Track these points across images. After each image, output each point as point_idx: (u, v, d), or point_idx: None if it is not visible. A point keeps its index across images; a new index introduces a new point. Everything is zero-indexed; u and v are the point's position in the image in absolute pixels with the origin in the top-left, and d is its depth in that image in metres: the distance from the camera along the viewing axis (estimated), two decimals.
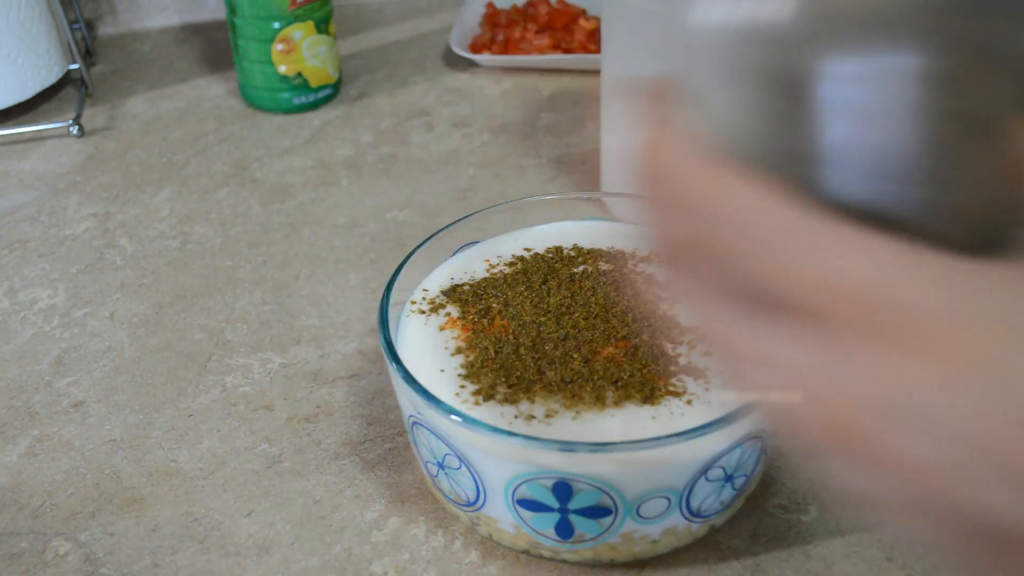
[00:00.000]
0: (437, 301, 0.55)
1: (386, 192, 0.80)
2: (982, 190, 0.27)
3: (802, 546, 0.50)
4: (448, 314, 0.54)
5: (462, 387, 0.49)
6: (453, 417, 0.44)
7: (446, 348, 0.51)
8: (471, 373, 0.49)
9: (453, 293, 0.55)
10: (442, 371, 0.50)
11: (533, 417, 0.47)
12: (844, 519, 0.51)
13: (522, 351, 0.50)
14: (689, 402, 0.47)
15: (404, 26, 1.09)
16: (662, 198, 0.27)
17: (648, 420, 0.46)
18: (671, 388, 0.48)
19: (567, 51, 0.97)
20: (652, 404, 0.47)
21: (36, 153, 0.88)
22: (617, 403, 0.47)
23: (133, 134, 0.90)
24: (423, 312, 0.54)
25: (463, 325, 0.53)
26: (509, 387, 0.48)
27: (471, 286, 0.56)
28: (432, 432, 0.47)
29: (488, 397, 0.48)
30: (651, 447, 0.43)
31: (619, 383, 0.48)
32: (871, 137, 0.26)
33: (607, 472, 0.43)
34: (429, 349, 0.52)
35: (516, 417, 0.47)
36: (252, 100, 0.93)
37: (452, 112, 0.92)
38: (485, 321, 0.53)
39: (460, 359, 0.51)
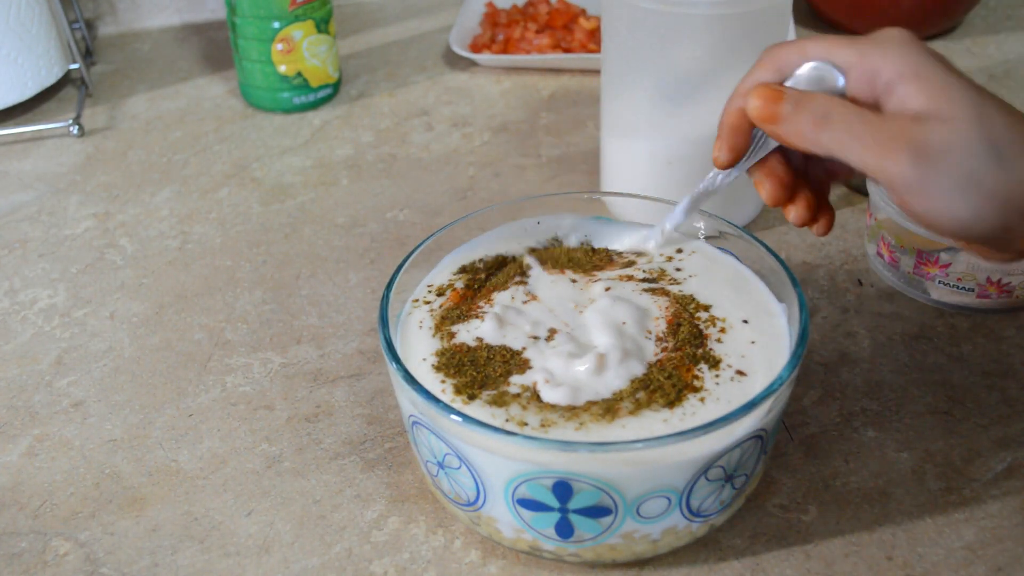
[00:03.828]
0: (449, 282, 0.56)
1: (386, 192, 0.80)
2: None
3: (802, 546, 0.50)
4: (454, 289, 0.55)
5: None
6: (453, 417, 0.44)
7: (446, 349, 0.51)
8: (464, 383, 0.49)
9: (464, 273, 0.56)
10: (443, 378, 0.50)
11: (525, 424, 0.46)
12: (844, 519, 0.51)
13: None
14: (702, 399, 0.47)
15: (404, 26, 1.09)
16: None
17: (660, 423, 0.46)
18: (695, 383, 0.48)
19: (567, 51, 0.97)
20: (671, 408, 0.47)
21: (36, 153, 0.88)
22: (633, 412, 0.47)
23: (133, 134, 0.90)
24: (428, 302, 0.54)
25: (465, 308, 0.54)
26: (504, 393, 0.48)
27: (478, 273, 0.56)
28: (432, 432, 0.47)
29: (472, 398, 0.48)
30: (651, 447, 0.43)
31: (651, 387, 0.48)
32: None
33: (607, 472, 0.43)
34: (429, 349, 0.52)
35: (507, 421, 0.46)
36: (252, 100, 0.93)
37: (452, 112, 0.92)
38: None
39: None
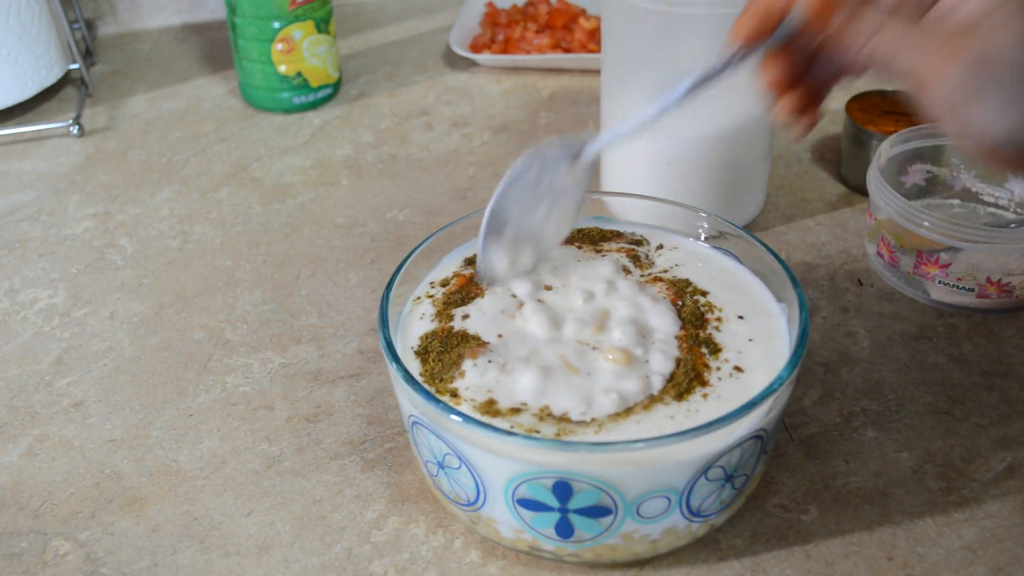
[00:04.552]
0: (453, 273, 0.56)
1: (386, 192, 0.80)
2: None
3: (802, 546, 0.50)
4: (459, 275, 0.55)
5: (466, 389, 0.49)
6: (453, 417, 0.44)
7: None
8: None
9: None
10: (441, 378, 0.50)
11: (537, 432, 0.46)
12: (844, 519, 0.51)
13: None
14: (705, 396, 0.47)
15: (404, 26, 1.09)
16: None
17: (667, 419, 0.46)
18: (704, 373, 0.48)
19: (567, 51, 0.97)
20: (679, 401, 0.47)
21: (36, 153, 0.88)
22: (647, 407, 0.47)
23: (133, 134, 0.90)
24: (431, 296, 0.54)
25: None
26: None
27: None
28: (432, 432, 0.47)
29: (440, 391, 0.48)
30: (651, 446, 0.43)
31: (673, 377, 0.48)
32: None
33: (607, 472, 0.43)
34: (419, 334, 0.52)
35: (528, 429, 0.47)
36: (252, 100, 0.93)
37: (452, 112, 0.92)
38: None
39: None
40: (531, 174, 0.52)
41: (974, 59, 0.40)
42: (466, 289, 0.54)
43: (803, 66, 0.47)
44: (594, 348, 0.49)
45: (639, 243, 0.58)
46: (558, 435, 0.45)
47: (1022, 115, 0.40)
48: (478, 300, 0.53)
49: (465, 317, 0.52)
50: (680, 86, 0.48)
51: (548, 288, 0.54)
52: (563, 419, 0.46)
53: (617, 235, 0.59)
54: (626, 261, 0.56)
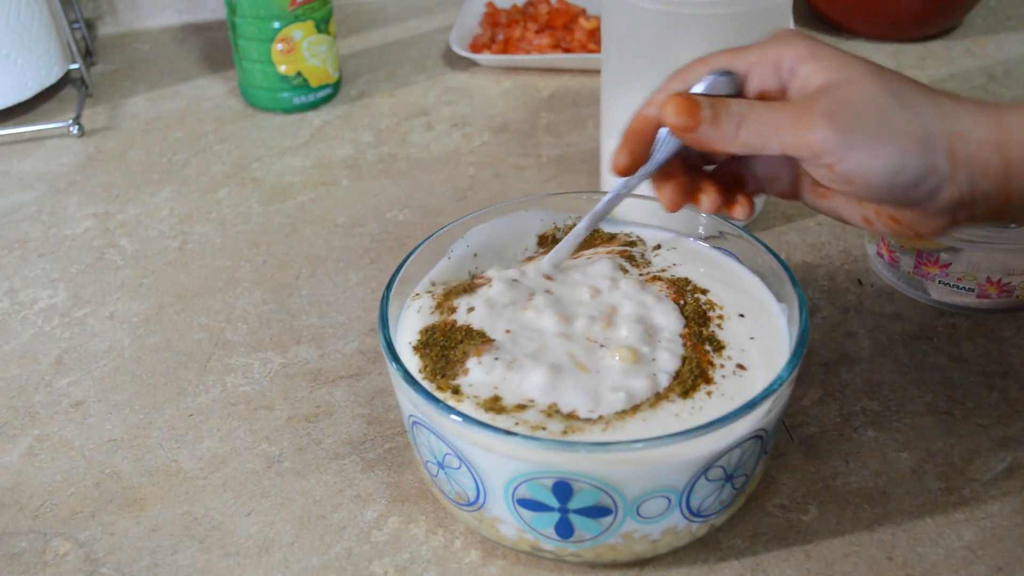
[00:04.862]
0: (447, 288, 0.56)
1: (386, 192, 0.80)
2: None
3: (802, 546, 0.50)
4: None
5: (469, 386, 0.49)
6: (453, 417, 0.44)
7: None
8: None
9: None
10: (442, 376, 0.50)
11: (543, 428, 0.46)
12: (844, 519, 0.51)
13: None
14: (709, 394, 0.47)
15: (404, 26, 1.09)
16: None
17: (672, 418, 0.46)
18: (709, 371, 0.48)
19: (567, 51, 0.97)
20: (685, 398, 0.47)
21: (36, 153, 0.88)
22: (653, 404, 0.47)
23: (133, 134, 0.90)
24: (429, 291, 0.54)
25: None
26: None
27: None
28: (432, 431, 0.47)
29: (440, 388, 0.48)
30: (650, 446, 0.43)
31: (679, 375, 0.48)
32: None
33: (607, 472, 0.43)
34: (417, 328, 0.52)
35: (534, 428, 0.47)
36: (252, 100, 0.93)
37: (452, 112, 0.92)
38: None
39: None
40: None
41: (830, 110, 0.43)
42: (470, 283, 0.54)
43: (691, 177, 0.50)
44: (602, 346, 0.50)
45: (632, 244, 0.58)
46: (565, 432, 0.45)
47: (895, 152, 0.43)
48: (484, 290, 0.53)
49: (470, 310, 0.52)
50: (582, 223, 0.53)
51: (549, 278, 0.54)
52: (571, 416, 0.46)
53: (610, 239, 0.58)
54: (622, 261, 0.56)
